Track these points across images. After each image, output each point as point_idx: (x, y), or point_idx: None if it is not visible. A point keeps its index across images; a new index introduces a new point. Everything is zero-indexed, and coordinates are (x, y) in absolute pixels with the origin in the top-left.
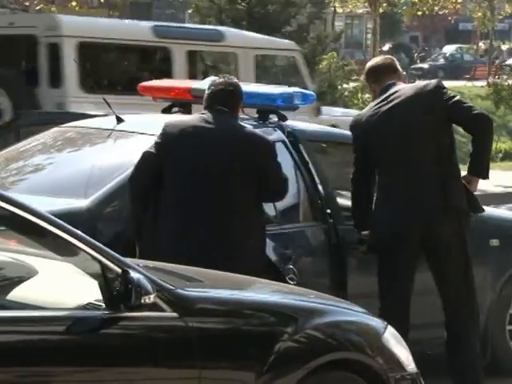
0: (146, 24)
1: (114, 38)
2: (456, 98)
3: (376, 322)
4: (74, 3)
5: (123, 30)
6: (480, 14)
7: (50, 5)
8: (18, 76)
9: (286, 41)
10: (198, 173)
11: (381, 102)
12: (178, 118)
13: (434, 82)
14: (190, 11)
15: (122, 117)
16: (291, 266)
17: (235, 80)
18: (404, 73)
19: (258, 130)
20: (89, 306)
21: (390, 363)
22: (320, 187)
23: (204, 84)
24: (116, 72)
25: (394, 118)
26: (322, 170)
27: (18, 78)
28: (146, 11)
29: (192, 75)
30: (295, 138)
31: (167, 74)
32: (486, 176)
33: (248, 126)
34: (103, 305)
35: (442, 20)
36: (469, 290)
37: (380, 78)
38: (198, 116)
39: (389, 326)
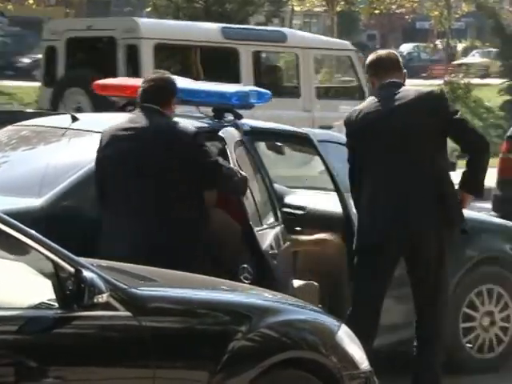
0: (216, 26)
1: (187, 39)
2: (459, 115)
3: (330, 321)
4: (30, 1)
5: (195, 32)
6: (437, 12)
7: (6, 2)
8: (97, 76)
9: (343, 41)
10: (130, 174)
11: (380, 100)
12: (112, 123)
13: (438, 89)
14: (147, 9)
15: (77, 115)
16: (246, 266)
17: (167, 75)
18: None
19: (183, 123)
20: (42, 306)
21: (343, 362)
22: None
23: None
24: (188, 71)
25: (394, 118)
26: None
27: (97, 78)
28: (104, 9)
29: (257, 74)
30: (251, 137)
31: (235, 73)
32: (481, 194)
33: (177, 121)
34: (56, 304)
35: (400, 19)
36: (442, 299)
37: (381, 72)
38: (128, 117)
39: (342, 325)
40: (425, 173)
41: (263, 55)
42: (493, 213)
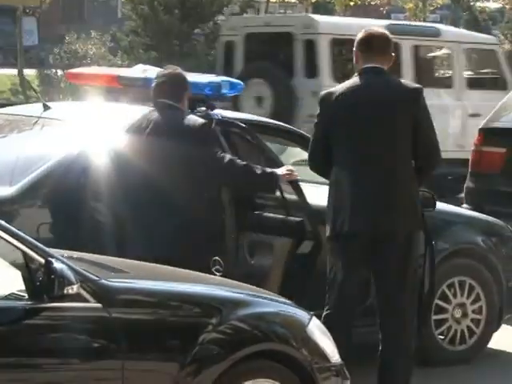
0: (383, 22)
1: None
2: (429, 122)
3: (301, 314)
4: None
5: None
6: (412, 4)
7: None
8: (276, 68)
9: (488, 35)
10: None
11: (359, 88)
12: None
13: (419, 88)
14: None
15: (49, 104)
16: (217, 258)
17: (179, 70)
18: None
19: (193, 117)
20: (11, 297)
21: (314, 354)
22: None
23: (131, 72)
24: None
25: (368, 110)
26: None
27: (277, 71)
28: None
29: (416, 67)
30: (224, 127)
31: (396, 65)
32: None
33: (190, 116)
34: (26, 295)
35: (375, 10)
36: (408, 298)
37: (368, 53)
38: (145, 112)
39: (313, 318)
40: (396, 171)
41: (421, 49)
42: (465, 205)
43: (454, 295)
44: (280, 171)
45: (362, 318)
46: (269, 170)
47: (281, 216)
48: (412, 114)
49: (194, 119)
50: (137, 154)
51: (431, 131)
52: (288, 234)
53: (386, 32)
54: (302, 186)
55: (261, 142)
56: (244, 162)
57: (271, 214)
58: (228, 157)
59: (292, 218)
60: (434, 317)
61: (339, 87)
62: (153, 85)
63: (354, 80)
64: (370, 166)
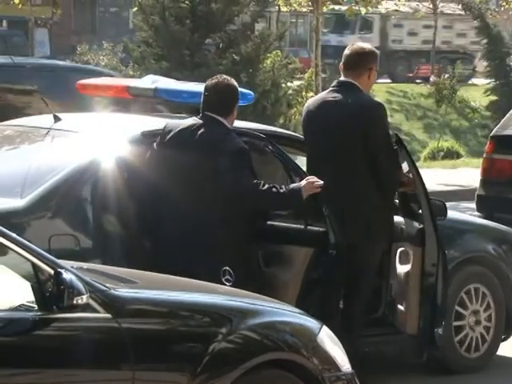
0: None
1: None
2: (385, 144)
3: (311, 323)
4: (16, 1)
5: None
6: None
7: None
8: None
9: None
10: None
11: (327, 100)
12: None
13: (376, 105)
14: (134, 9)
15: (59, 115)
16: (227, 268)
17: (228, 81)
18: None
19: (234, 140)
20: (21, 308)
21: (324, 363)
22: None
23: (141, 82)
24: None
25: (328, 128)
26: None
27: None
28: (90, 9)
29: None
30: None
31: None
32: None
33: (232, 137)
34: (36, 306)
35: None
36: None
37: (345, 66)
38: (190, 121)
39: (324, 327)
40: (352, 186)
41: None
42: (477, 213)
43: (470, 303)
44: (302, 184)
45: (373, 327)
46: (292, 186)
47: (301, 226)
48: (364, 131)
49: (234, 142)
50: (152, 166)
51: (382, 151)
52: (309, 243)
53: (367, 47)
54: None
55: (282, 152)
56: (268, 185)
57: (289, 224)
58: (253, 182)
59: (315, 228)
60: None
61: (318, 95)
62: (202, 95)
63: (324, 92)
64: (325, 177)
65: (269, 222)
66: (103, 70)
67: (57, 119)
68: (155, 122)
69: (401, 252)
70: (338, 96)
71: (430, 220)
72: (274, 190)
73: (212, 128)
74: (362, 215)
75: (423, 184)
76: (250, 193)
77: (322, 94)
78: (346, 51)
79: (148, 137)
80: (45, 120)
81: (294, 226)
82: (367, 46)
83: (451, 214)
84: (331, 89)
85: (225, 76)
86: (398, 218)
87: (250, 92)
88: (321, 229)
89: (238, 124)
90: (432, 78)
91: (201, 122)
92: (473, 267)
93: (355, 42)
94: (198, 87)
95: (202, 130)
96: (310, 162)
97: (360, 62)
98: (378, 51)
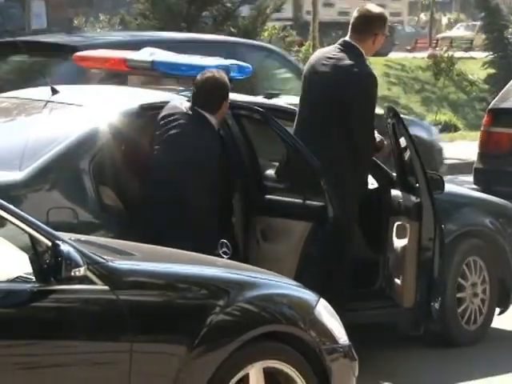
0: None
1: None
2: (364, 109)
3: (308, 295)
4: None
5: None
6: None
7: None
8: None
9: None
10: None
11: (327, 57)
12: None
13: (366, 73)
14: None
15: (57, 88)
16: (224, 240)
17: (218, 75)
18: None
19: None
20: (19, 279)
21: (322, 336)
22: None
23: (139, 55)
24: None
25: (318, 77)
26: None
27: None
28: None
29: None
30: (233, 110)
31: None
32: None
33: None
34: (33, 278)
35: None
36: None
37: (351, 26)
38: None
39: (321, 299)
40: (327, 149)
41: None
42: (474, 186)
43: (470, 275)
44: None
45: (372, 300)
46: None
47: (299, 200)
48: (348, 95)
49: (213, 144)
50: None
51: (362, 119)
52: (307, 218)
53: (377, 10)
54: None
55: (281, 127)
56: None
57: (287, 198)
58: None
59: (314, 203)
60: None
61: (323, 49)
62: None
63: (329, 48)
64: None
65: (267, 196)
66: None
67: (54, 91)
68: (153, 95)
69: (398, 226)
70: (339, 55)
71: (427, 194)
72: None
73: (198, 125)
74: (335, 177)
75: (420, 158)
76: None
77: (326, 50)
78: (355, 13)
79: (146, 110)
80: (42, 92)
81: (293, 200)
82: (376, 9)
83: (449, 187)
84: (336, 46)
85: (216, 70)
86: (395, 192)
87: (248, 65)
88: (319, 203)
89: (236, 97)
90: (429, 51)
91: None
92: (471, 240)
93: (367, 4)
94: (197, 60)
95: (191, 125)
96: (298, 118)
97: (365, 26)
98: (386, 16)
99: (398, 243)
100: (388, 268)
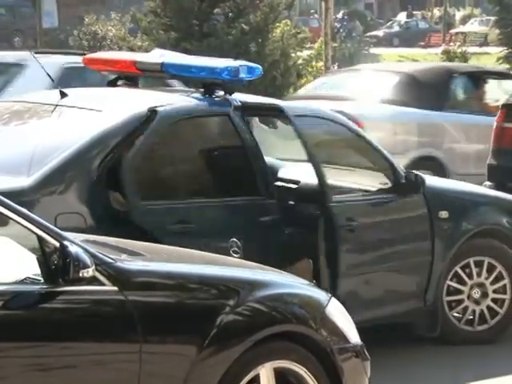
0: None
1: None
2: None
3: (319, 295)
4: None
5: None
6: None
7: None
8: None
9: None
10: None
11: None
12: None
13: None
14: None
15: (66, 91)
16: (235, 239)
17: None
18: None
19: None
20: (27, 281)
21: (333, 335)
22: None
23: (149, 57)
24: None
25: None
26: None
27: None
28: None
29: None
30: (242, 112)
31: None
32: None
33: None
34: (41, 279)
35: None
36: None
37: None
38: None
39: (332, 299)
40: None
41: None
42: (488, 182)
43: (470, 276)
44: None
45: None
46: None
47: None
48: None
49: None
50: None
51: None
52: None
53: None
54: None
55: (295, 125)
56: None
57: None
58: None
59: None
60: (447, 298)
61: None
62: None
63: None
64: None
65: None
66: None
67: (63, 95)
68: (163, 97)
69: None
70: None
71: None
72: None
73: None
74: None
75: None
76: None
77: None
78: None
79: (156, 113)
80: (50, 96)
81: None
82: None
83: (464, 185)
84: None
85: None
86: None
87: (258, 66)
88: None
89: (250, 98)
90: (443, 46)
91: None
92: (485, 240)
93: None
94: (206, 61)
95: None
96: None
97: None
98: None
99: None
100: None
